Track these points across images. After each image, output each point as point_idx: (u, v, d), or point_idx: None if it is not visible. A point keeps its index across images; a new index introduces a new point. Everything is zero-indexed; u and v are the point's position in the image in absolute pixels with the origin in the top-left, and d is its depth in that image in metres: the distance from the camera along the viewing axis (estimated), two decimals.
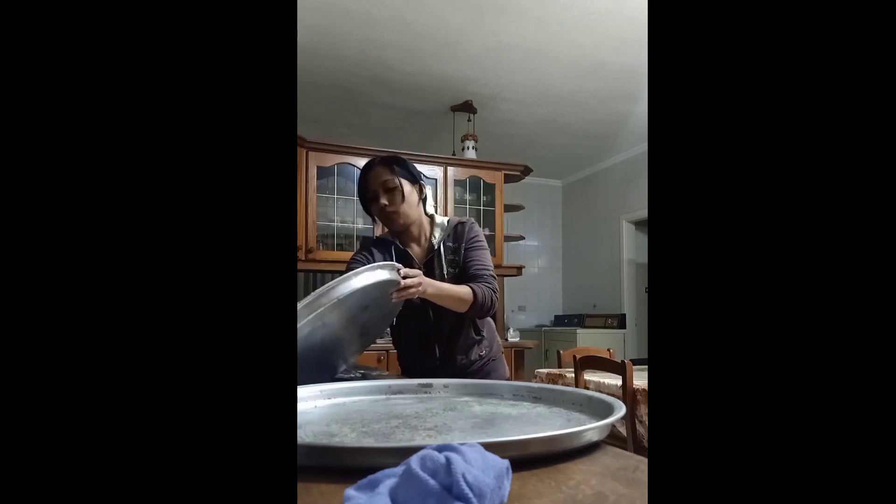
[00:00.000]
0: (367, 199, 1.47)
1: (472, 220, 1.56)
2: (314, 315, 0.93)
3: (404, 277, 1.19)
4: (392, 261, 1.43)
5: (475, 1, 2.89)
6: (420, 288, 1.23)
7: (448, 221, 1.53)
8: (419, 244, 1.53)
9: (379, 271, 1.09)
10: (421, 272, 1.26)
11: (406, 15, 3.02)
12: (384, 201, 1.43)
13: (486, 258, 1.48)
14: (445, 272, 1.46)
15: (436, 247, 1.48)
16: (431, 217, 1.55)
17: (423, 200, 1.52)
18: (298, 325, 0.90)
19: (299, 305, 0.90)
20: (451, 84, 3.85)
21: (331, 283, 0.97)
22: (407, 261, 1.49)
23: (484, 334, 1.52)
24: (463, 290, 1.37)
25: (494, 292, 1.42)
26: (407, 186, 1.44)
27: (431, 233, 1.51)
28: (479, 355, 1.51)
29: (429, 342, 1.50)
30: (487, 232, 4.03)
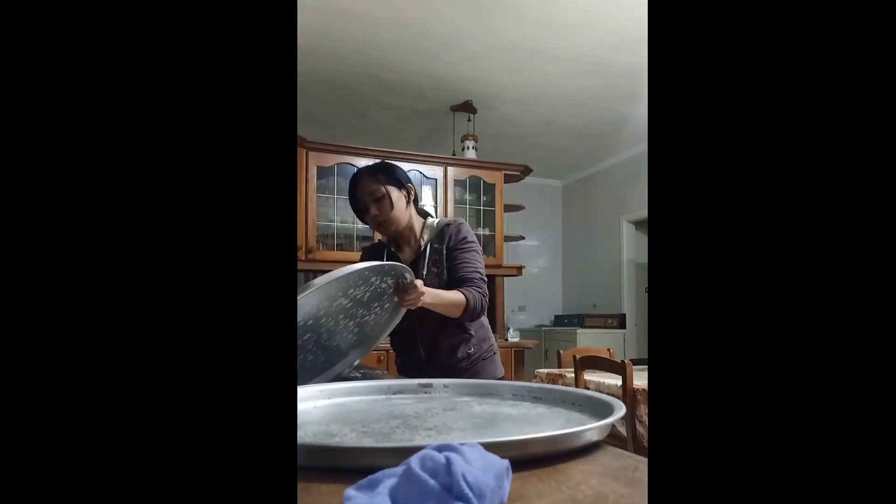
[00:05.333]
0: (360, 210, 1.50)
1: (462, 221, 1.56)
2: (313, 290, 0.93)
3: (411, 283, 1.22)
4: None
5: (475, 1, 2.89)
6: (420, 293, 1.25)
7: (437, 223, 1.54)
8: (410, 247, 1.54)
9: (381, 263, 1.10)
10: (422, 282, 1.27)
11: (406, 15, 3.01)
12: (374, 211, 1.46)
13: (475, 260, 1.48)
14: (426, 271, 1.47)
15: (422, 248, 1.50)
16: (425, 219, 1.56)
17: (414, 202, 1.54)
18: (312, 284, 0.91)
19: (314, 281, 0.92)
20: (451, 84, 3.85)
21: (341, 269, 0.99)
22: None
23: (472, 332, 1.51)
24: (456, 297, 1.39)
25: (484, 296, 1.44)
26: (394, 193, 1.47)
27: (421, 235, 1.53)
28: (467, 353, 1.50)
29: (414, 341, 1.51)
30: (487, 232, 4.03)
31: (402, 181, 1.50)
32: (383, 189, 1.45)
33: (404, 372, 1.57)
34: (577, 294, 6.15)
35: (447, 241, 1.49)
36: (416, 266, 1.48)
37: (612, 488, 0.45)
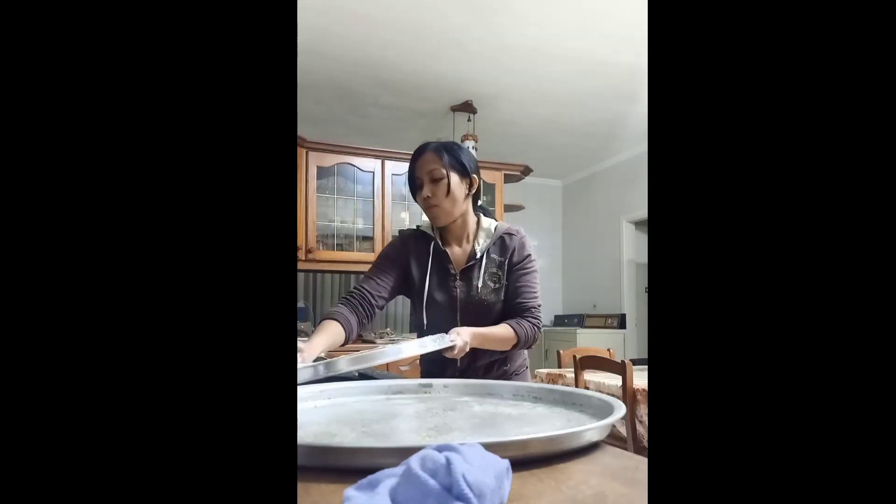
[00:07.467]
0: (414, 186, 1.34)
1: (522, 231, 1.39)
2: (355, 367, 0.96)
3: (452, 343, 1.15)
4: (428, 261, 1.36)
5: (475, 1, 2.89)
6: (465, 346, 1.17)
7: (495, 228, 1.37)
8: (461, 246, 1.37)
9: (429, 344, 1.10)
10: (463, 332, 1.17)
11: (406, 14, 3.01)
12: (427, 192, 1.29)
13: (535, 284, 1.35)
14: (482, 285, 1.32)
15: (479, 255, 1.33)
16: (479, 216, 1.40)
17: (475, 196, 1.37)
18: (338, 369, 0.92)
19: (345, 358, 0.93)
20: (451, 84, 3.85)
21: (383, 350, 1.00)
22: (444, 263, 1.36)
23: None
24: (506, 334, 1.26)
25: (538, 328, 1.32)
26: (455, 178, 1.30)
27: (476, 236, 1.36)
28: (502, 370, 1.38)
29: None
30: None
31: (467, 168, 1.32)
32: (443, 171, 1.28)
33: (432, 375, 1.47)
34: (577, 294, 6.14)
35: (510, 256, 1.33)
36: (469, 274, 1.33)
37: (612, 488, 0.45)
